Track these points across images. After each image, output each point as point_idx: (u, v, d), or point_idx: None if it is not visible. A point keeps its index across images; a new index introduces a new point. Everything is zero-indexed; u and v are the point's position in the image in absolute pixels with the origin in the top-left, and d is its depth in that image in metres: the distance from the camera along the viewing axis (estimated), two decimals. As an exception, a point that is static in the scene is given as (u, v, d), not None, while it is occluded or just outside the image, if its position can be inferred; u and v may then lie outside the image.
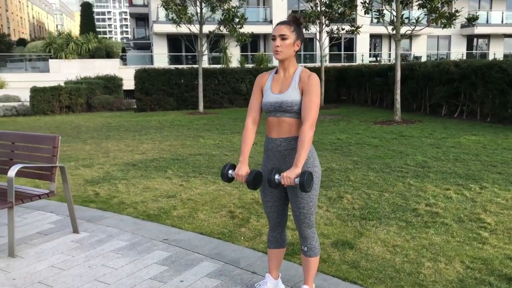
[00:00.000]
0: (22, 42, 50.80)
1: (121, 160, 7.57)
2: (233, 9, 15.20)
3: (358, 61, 29.42)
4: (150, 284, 3.08)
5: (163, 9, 14.95)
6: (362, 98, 17.74)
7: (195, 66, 19.06)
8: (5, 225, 4.39)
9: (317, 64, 25.22)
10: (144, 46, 35.79)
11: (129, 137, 10.42)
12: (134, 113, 17.06)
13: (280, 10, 27.98)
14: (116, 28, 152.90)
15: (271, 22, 28.67)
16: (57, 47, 25.82)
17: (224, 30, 15.88)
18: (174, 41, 28.24)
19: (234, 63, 25.96)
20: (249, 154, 7.53)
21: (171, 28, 14.55)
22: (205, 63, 27.08)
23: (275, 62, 27.76)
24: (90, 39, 26.88)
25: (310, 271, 2.76)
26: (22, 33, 79.45)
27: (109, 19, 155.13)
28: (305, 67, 18.65)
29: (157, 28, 26.22)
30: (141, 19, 38.25)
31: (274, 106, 2.60)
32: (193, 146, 8.88)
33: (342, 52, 30.51)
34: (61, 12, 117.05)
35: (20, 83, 23.99)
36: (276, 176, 2.42)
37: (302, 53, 29.75)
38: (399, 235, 3.91)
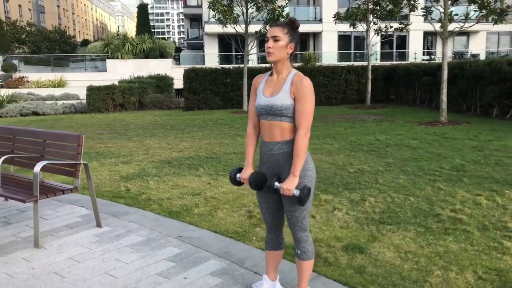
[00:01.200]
0: (85, 43, 53.43)
1: (159, 158, 7.83)
2: (278, 9, 15.21)
3: (411, 59, 28.51)
4: (155, 280, 3.20)
5: (210, 10, 15.22)
6: (411, 98, 17.19)
7: (242, 65, 19.26)
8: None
9: (364, 63, 24.68)
10: (197, 46, 36.56)
11: (172, 135, 10.74)
12: (182, 111, 17.51)
13: (330, 9, 27.63)
14: (173, 29, 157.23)
15: (320, 20, 28.41)
16: (114, 47, 26.97)
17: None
18: (224, 41, 28.67)
19: (283, 62, 25.91)
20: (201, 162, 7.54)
21: (226, 29, 14.82)
22: (254, 62, 27.28)
23: (325, 61, 27.50)
24: (144, 40, 27.85)
25: (304, 274, 2.76)
26: (87, 34, 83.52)
27: (167, 19, 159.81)
28: (352, 65, 18.36)
29: (208, 28, 26.72)
30: (195, 20, 39.08)
31: (265, 109, 2.61)
32: (230, 145, 9.01)
33: (394, 50, 29.69)
34: (122, 13, 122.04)
35: (79, 82, 25.27)
36: (276, 184, 2.51)
37: (352, 51, 29.24)
38: (415, 241, 3.80)
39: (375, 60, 27.80)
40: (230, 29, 15.74)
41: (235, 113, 15.76)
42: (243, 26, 15.81)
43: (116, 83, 20.02)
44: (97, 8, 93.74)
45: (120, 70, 26.71)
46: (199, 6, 36.25)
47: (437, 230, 4.05)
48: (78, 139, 4.15)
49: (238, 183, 2.77)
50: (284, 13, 15.34)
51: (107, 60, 27.16)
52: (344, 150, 8.16)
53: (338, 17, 16.51)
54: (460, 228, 4.05)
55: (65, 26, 70.11)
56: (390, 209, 4.64)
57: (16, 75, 26.19)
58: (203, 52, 30.67)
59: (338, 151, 8.02)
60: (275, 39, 2.55)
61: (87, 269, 3.39)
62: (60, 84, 24.43)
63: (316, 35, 29.87)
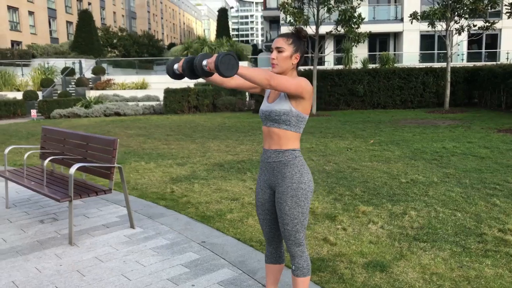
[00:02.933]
0: (171, 47, 56.13)
1: (213, 160, 7.97)
2: (350, 10, 14.83)
3: (502, 60, 26.33)
4: (164, 285, 3.25)
5: (281, 12, 15.23)
6: (495, 102, 15.88)
7: (319, 67, 19.03)
8: (82, 215, 4.98)
9: (452, 64, 23.18)
10: (275, 48, 36.72)
11: (234, 138, 10.89)
12: (252, 113, 17.71)
13: (412, 7, 26.40)
14: (257, 31, 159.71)
15: (401, 20, 27.22)
16: (193, 51, 27.97)
17: (341, 31, 15.59)
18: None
19: (359, 63, 25.27)
20: (251, 166, 7.36)
21: (308, 30, 14.87)
22: (330, 63, 26.85)
23: (405, 62, 26.33)
24: (222, 43, 28.59)
25: (298, 292, 2.65)
26: (174, 38, 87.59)
27: (251, 22, 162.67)
28: (431, 67, 17.35)
29: (284, 30, 26.76)
30: (274, 22, 39.35)
31: (265, 115, 2.58)
32: (286, 149, 8.93)
33: (483, 50, 27.60)
34: (208, 17, 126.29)
35: (161, 84, 26.50)
36: (204, 62, 2.23)
37: (435, 51, 27.67)
38: (446, 262, 3.49)
39: (461, 60, 26.07)
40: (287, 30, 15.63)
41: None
42: (313, 27, 15.63)
43: (192, 85, 20.75)
44: (184, 12, 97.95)
45: (199, 73, 27.56)
46: (278, 9, 36.48)
47: (476, 251, 3.69)
48: (113, 143, 4.34)
49: (176, 75, 2.44)
50: (356, 14, 14.92)
51: (186, 63, 28.24)
52: (404, 158, 7.75)
53: (415, 17, 15.72)
54: (503, 251, 3.66)
55: (154, 31, 74.14)
56: (430, 225, 4.32)
57: (104, 77, 28.12)
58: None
59: (397, 159, 7.63)
60: (279, 50, 2.51)
61: (106, 269, 3.53)
62: (143, 86, 25.82)
63: (397, 35, 28.69)
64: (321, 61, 28.33)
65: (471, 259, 3.54)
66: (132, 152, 9.23)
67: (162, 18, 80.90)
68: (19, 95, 25.46)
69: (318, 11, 15.20)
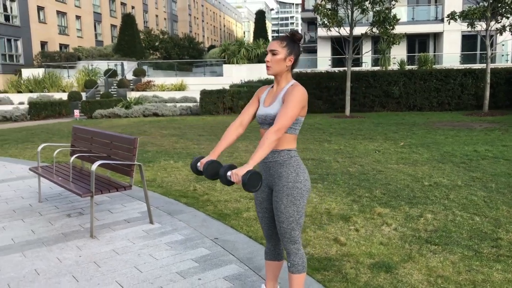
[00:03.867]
0: (212, 49, 56.94)
1: (239, 160, 8.10)
2: (385, 11, 14.63)
3: (550, 60, 25.14)
4: (172, 278, 3.39)
5: (314, 14, 15.23)
6: (539, 104, 15.25)
7: (355, 68, 18.88)
8: (107, 210, 5.22)
9: (494, 65, 22.39)
10: (313, 49, 36.66)
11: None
12: (285, 115, 17.76)
13: (453, 7, 25.67)
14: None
15: (442, 20, 26.50)
16: (230, 53, 28.32)
17: (376, 32, 15.42)
18: (339, 43, 28.33)
19: (397, 65, 24.82)
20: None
21: (334, 32, 14.72)
22: (368, 65, 26.51)
23: (445, 63, 25.62)
24: (259, 45, 28.77)
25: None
26: (214, 40, 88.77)
27: (292, 23, 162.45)
28: (470, 68, 16.84)
29: (321, 31, 26.64)
30: (312, 23, 39.20)
31: (261, 119, 2.66)
32: (312, 150, 8.96)
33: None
34: (248, 19, 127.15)
35: (198, 86, 27.00)
36: (228, 173, 2.38)
37: (478, 52, 26.74)
38: (454, 266, 3.46)
39: (505, 61, 25.09)
40: (334, 32, 15.56)
41: (336, 117, 15.53)
42: (347, 29, 15.52)
43: (227, 87, 21.02)
44: (225, 15, 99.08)
45: (235, 75, 27.94)
46: (313, 11, 36.33)
47: (488, 256, 3.62)
48: (134, 142, 4.54)
49: (198, 171, 2.66)
50: (391, 15, 14.70)
51: (223, 65, 28.64)
52: (431, 161, 7.61)
53: (452, 17, 15.32)
54: (516, 256, 3.58)
55: (195, 33, 75.40)
56: (445, 228, 4.26)
57: (145, 79, 28.91)
58: (316, 55, 30.67)
59: (425, 162, 7.51)
60: (273, 52, 2.60)
61: (121, 261, 3.72)
62: (181, 87, 26.37)
63: (437, 36, 27.95)
64: (358, 62, 28.02)
65: (481, 264, 3.49)
66: (164, 151, 9.51)
67: (203, 20, 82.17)
68: (64, 96, 26.57)
69: (352, 12, 15.09)
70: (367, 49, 26.89)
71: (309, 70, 19.08)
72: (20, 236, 4.41)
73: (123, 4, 53.50)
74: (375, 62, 27.26)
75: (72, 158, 4.79)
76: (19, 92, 29.16)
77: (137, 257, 3.81)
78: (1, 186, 6.62)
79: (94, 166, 4.26)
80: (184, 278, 3.38)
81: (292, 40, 2.63)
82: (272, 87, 2.75)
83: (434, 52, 27.51)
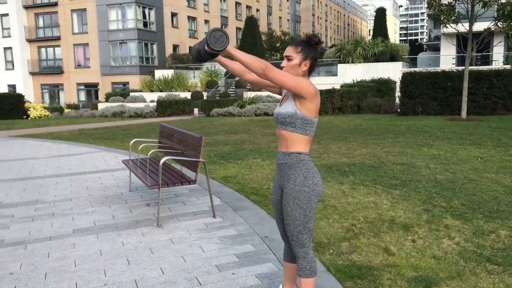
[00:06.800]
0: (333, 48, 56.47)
1: (324, 162, 8.05)
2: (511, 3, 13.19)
3: None
4: (209, 270, 3.58)
5: (427, 9, 14.32)
6: None
7: (474, 68, 17.38)
8: (181, 202, 5.62)
9: None
10: (438, 47, 34.35)
11: (360, 140, 10.72)
12: (395, 116, 17.00)
13: None
14: (424, 29, 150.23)
15: None
16: (346, 52, 27.86)
17: (501, 28, 13.98)
18: (464, 41, 26.13)
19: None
20: (358, 171, 6.87)
21: (460, 28, 13.69)
22: (499, 63, 24.04)
23: None
24: (377, 44, 27.84)
25: (301, 291, 2.71)
26: (337, 39, 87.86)
27: (422, 20, 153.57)
28: None
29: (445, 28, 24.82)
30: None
31: (275, 118, 2.73)
32: (408, 154, 8.50)
33: None
34: (374, 17, 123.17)
35: (316, 86, 27.09)
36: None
37: None
38: (507, 289, 3.10)
39: None
40: (460, 28, 14.49)
41: (449, 120, 14.44)
42: (466, 25, 14.32)
43: (338, 87, 20.76)
44: (349, 13, 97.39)
45: (350, 74, 27.43)
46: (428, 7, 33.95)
47: (554, 282, 3.17)
48: (199, 140, 4.83)
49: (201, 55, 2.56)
50: (518, 8, 13.20)
51: (338, 64, 28.30)
52: (541, 171, 6.75)
53: None
54: None
55: (318, 33, 75.38)
56: (516, 248, 3.81)
57: (261, 79, 29.85)
58: (439, 53, 28.67)
59: (531, 172, 6.69)
60: (288, 58, 2.64)
61: (172, 250, 4.02)
62: (295, 87, 26.72)
63: None
64: (488, 61, 25.56)
65: (541, 290, 3.08)
66: (257, 149, 9.81)
67: (326, 20, 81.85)
68: (189, 95, 28.66)
69: (472, 6, 13.88)
70: (498, 45, 24.42)
71: (430, 69, 17.96)
72: (101, 220, 4.98)
73: (248, 7, 55.73)
74: (507, 60, 24.61)
75: (150, 153, 5.27)
76: (151, 91, 32.18)
77: (188, 247, 4.07)
78: (106, 175, 7.48)
79: (162, 161, 4.65)
80: (220, 271, 3.54)
81: (308, 44, 2.63)
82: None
83: None
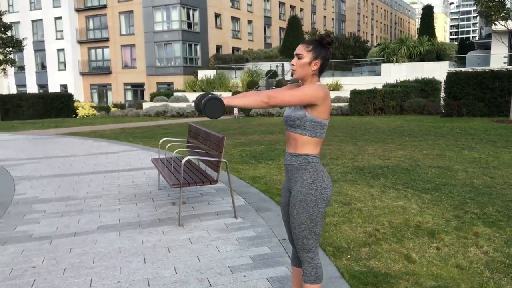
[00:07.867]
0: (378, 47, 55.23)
1: (358, 164, 7.86)
2: None
3: None
4: (222, 271, 3.55)
5: (473, 5, 13.72)
6: None
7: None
8: (206, 201, 5.64)
9: None
10: (489, 45, 32.85)
11: (398, 142, 10.40)
12: (439, 117, 16.40)
13: None
14: (476, 27, 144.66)
15: None
16: (390, 51, 27.16)
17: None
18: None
19: None
20: (391, 173, 6.56)
21: (510, 25, 13.00)
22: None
23: None
24: (422, 43, 26.96)
25: (305, 297, 2.63)
26: (384, 38, 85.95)
27: (474, 17, 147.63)
28: None
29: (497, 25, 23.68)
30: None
31: (285, 120, 2.67)
32: (446, 157, 8.16)
33: None
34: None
35: (354, 86, 26.63)
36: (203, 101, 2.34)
37: None
38: (533, 305, 2.89)
39: None
40: (500, 26, 13.80)
41: (496, 122, 13.76)
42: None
43: (380, 87, 20.27)
44: (396, 12, 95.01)
45: (394, 74, 26.72)
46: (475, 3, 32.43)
47: None
48: (221, 141, 4.82)
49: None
50: None
51: (382, 64, 27.63)
52: None
53: None
54: None
55: (363, 32, 74.08)
56: (549, 259, 3.55)
57: (302, 79, 29.64)
58: (489, 52, 27.42)
59: None
60: (298, 56, 2.59)
61: (189, 250, 4.02)
62: (336, 87, 26.29)
63: None
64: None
65: None
66: (290, 150, 9.70)
67: (372, 19, 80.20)
68: (229, 95, 28.88)
69: (523, 1, 13.16)
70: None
71: (478, 69, 17.20)
72: (126, 217, 5.07)
73: (292, 7, 55.50)
74: None
75: (174, 152, 5.32)
76: (194, 91, 32.66)
77: (205, 247, 4.07)
78: (138, 173, 7.63)
79: (183, 161, 4.67)
80: (232, 273, 3.51)
81: (320, 44, 2.56)
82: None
83: None
